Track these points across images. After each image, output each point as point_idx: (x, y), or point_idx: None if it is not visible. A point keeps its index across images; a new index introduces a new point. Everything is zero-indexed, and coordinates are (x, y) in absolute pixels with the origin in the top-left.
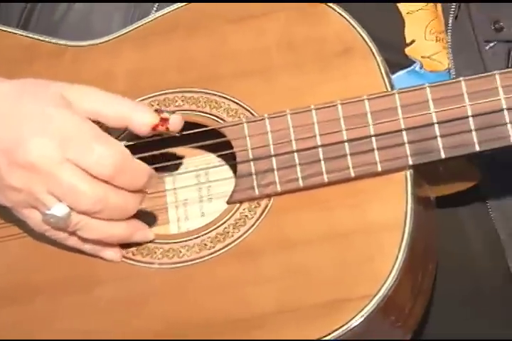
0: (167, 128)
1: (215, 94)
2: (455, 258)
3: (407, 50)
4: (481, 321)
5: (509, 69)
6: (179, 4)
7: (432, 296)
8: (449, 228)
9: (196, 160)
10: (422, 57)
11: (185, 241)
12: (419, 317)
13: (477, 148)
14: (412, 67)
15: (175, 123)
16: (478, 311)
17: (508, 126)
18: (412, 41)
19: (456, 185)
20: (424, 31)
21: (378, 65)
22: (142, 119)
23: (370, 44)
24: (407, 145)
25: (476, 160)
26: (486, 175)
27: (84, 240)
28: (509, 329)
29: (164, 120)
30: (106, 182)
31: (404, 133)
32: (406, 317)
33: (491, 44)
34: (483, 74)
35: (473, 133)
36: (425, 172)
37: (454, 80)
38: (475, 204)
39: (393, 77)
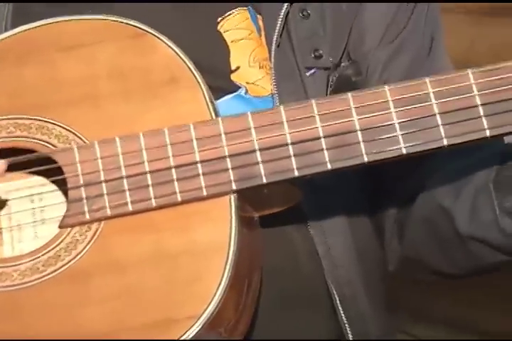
0: None
1: (47, 121)
2: (283, 270)
3: (233, 76)
4: (301, 326)
5: (324, 99)
6: (10, 32)
7: (259, 306)
8: (277, 245)
9: (30, 184)
10: (246, 82)
11: (18, 264)
12: (246, 328)
13: (296, 174)
14: (237, 92)
15: None
16: (300, 317)
17: (325, 152)
18: (237, 68)
19: (280, 205)
20: (248, 58)
21: (203, 93)
22: None
23: (195, 73)
24: (230, 171)
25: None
26: (306, 195)
27: None
28: (323, 329)
29: None
30: None
31: (227, 159)
32: (232, 330)
33: (312, 71)
34: (301, 103)
35: (293, 159)
36: (250, 195)
37: (274, 109)
38: (299, 221)
39: (220, 101)
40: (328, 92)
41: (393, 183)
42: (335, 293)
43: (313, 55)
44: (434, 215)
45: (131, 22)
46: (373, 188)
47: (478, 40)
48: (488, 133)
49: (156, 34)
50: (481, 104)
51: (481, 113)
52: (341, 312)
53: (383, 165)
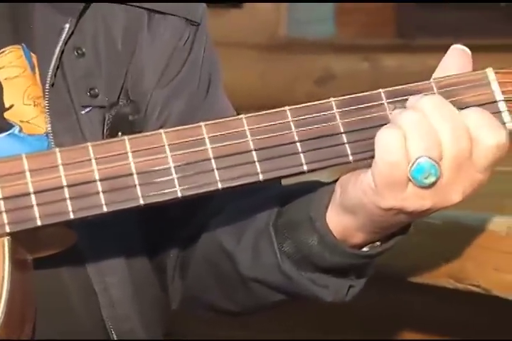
0: None
1: None
2: (58, 310)
3: (6, 115)
4: None
5: (101, 142)
6: None
7: None
8: (51, 285)
9: None
10: (20, 121)
11: None
12: None
13: (72, 216)
14: (11, 131)
15: None
16: None
17: (101, 195)
18: (11, 106)
19: (55, 248)
20: (22, 96)
21: None
22: None
23: None
24: (4, 213)
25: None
26: (82, 235)
27: None
28: None
29: None
30: None
31: (1, 202)
32: None
33: (87, 109)
34: (77, 146)
35: (68, 202)
36: (24, 238)
37: (49, 151)
38: (75, 261)
39: None
40: (105, 131)
41: (175, 222)
42: (112, 329)
43: (89, 94)
44: (216, 255)
45: None
46: (153, 227)
47: (268, 75)
48: (260, 177)
49: None
50: (255, 149)
51: (255, 158)
52: None
53: (164, 205)
